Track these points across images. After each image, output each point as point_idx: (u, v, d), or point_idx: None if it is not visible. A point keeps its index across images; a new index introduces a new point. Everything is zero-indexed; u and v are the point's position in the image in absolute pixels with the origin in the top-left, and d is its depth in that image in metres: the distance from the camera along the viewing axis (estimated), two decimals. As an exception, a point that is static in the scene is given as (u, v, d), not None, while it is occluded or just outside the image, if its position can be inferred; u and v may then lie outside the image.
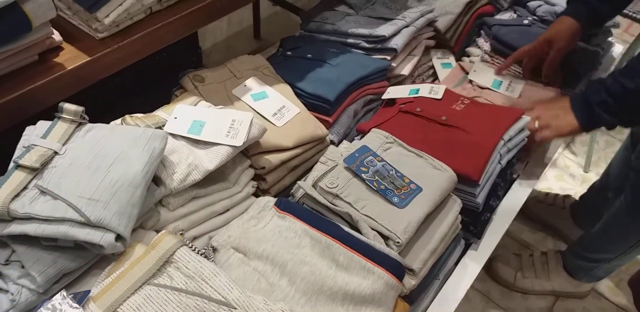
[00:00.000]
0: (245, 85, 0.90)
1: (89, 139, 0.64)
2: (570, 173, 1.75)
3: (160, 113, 0.77)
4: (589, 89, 0.93)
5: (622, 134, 1.88)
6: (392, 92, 1.03)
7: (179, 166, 0.69)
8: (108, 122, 0.75)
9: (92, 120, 0.69)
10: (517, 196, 1.03)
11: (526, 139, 0.96)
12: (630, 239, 1.20)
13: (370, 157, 0.81)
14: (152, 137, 0.65)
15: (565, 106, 0.96)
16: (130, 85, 1.26)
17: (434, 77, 1.18)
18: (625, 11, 1.55)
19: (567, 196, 1.59)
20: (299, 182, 0.79)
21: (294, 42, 1.09)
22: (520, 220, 1.59)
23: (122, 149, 0.63)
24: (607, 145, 1.86)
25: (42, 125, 0.65)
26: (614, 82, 0.89)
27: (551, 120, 0.96)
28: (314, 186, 0.77)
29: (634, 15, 1.54)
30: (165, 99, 0.89)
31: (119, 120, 0.73)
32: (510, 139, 0.91)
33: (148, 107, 0.82)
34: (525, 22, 1.18)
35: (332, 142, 0.95)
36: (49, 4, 0.65)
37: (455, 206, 0.83)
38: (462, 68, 1.15)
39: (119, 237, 0.56)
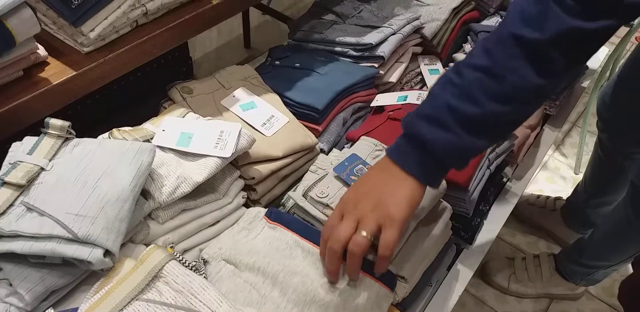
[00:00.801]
0: (233, 96, 0.91)
1: (75, 154, 0.64)
2: (561, 175, 1.76)
3: (148, 126, 0.77)
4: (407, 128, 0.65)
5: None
6: (381, 99, 1.03)
7: (167, 178, 0.69)
8: (97, 136, 0.76)
9: (80, 135, 0.69)
10: (507, 200, 1.04)
11: (514, 143, 0.97)
12: (631, 249, 1.20)
13: (360, 166, 0.81)
14: (139, 150, 0.65)
15: (383, 173, 0.66)
16: (120, 98, 1.26)
17: (422, 84, 1.18)
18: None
19: (558, 198, 1.60)
20: (289, 192, 0.79)
21: (282, 52, 1.10)
22: (512, 223, 1.60)
23: (109, 163, 0.63)
24: (597, 146, 1.88)
25: (28, 141, 0.65)
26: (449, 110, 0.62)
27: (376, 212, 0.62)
28: (304, 195, 0.77)
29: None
30: (155, 111, 0.89)
31: (106, 134, 0.72)
32: (498, 144, 0.92)
33: (138, 119, 0.82)
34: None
35: (322, 151, 0.95)
36: (32, 20, 0.65)
37: (445, 212, 0.83)
38: (450, 74, 1.16)
39: (107, 253, 0.56)
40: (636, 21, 1.54)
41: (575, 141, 1.87)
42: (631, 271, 1.52)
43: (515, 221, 1.60)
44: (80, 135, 0.69)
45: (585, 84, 1.32)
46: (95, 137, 0.75)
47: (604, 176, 1.35)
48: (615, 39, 2.06)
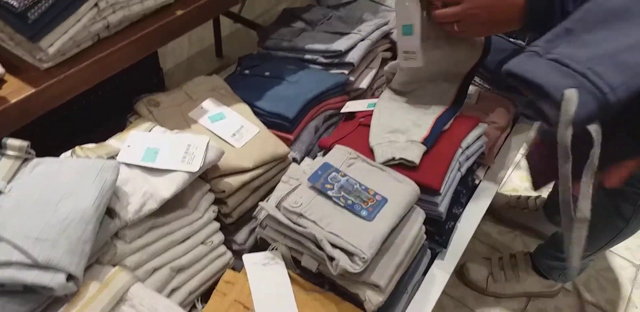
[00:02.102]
0: (201, 107, 0.90)
1: (36, 174, 0.62)
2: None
3: (113, 142, 0.75)
4: None
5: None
6: (351, 105, 1.03)
7: (133, 196, 0.68)
8: (59, 155, 0.74)
9: (43, 154, 0.67)
10: (480, 201, 1.04)
11: (484, 145, 0.98)
12: (605, 236, 1.22)
13: (334, 173, 0.81)
14: (102, 168, 0.64)
15: None
16: (87, 113, 1.23)
17: (393, 89, 1.18)
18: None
19: (538, 197, 1.61)
20: (261, 203, 0.78)
21: (251, 61, 1.09)
22: (488, 223, 1.61)
23: (71, 183, 0.62)
24: (569, 144, 1.90)
25: (-14, 162, 0.63)
26: None
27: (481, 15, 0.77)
28: (277, 206, 0.77)
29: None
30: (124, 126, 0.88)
31: (68, 153, 0.71)
32: (468, 147, 0.93)
33: (107, 134, 0.81)
34: (478, 30, 1.20)
35: (294, 160, 0.95)
36: (-13, 38, 0.63)
37: (418, 217, 0.84)
38: (420, 78, 1.16)
39: (70, 277, 0.54)
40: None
41: (547, 140, 1.89)
42: (604, 264, 1.55)
43: (491, 220, 1.62)
44: (43, 154, 0.67)
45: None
46: (59, 156, 0.73)
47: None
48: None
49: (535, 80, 0.56)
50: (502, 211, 1.61)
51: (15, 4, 0.63)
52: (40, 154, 0.68)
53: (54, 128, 1.15)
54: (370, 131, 0.93)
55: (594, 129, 0.54)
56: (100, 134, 0.82)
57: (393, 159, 0.86)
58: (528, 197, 1.62)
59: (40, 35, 0.69)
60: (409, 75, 0.97)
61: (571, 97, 0.49)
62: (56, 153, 0.74)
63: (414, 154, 0.85)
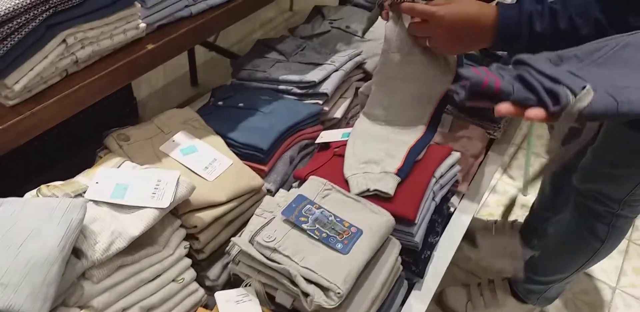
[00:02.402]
0: (173, 141, 0.89)
1: (-1, 215, 0.61)
2: (510, 197, 1.80)
3: (81, 179, 0.74)
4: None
5: (555, 156, 1.96)
6: (326, 136, 1.04)
7: (101, 234, 0.66)
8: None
9: (9, 192, 0.65)
10: (456, 229, 1.04)
11: (458, 174, 0.98)
12: (581, 257, 1.23)
13: (308, 206, 0.80)
14: (69, 208, 0.62)
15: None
16: (58, 145, 1.21)
17: (367, 117, 1.19)
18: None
19: (514, 221, 1.63)
20: (233, 238, 0.77)
21: (225, 92, 1.09)
22: (466, 249, 1.62)
23: (35, 224, 0.60)
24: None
25: (-54, 204, 0.61)
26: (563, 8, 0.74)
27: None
28: (251, 241, 0.75)
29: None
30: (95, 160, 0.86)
31: (34, 192, 0.69)
32: (442, 176, 0.93)
33: (79, 169, 0.79)
34: (449, 59, 1.22)
35: (269, 192, 0.94)
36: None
37: (394, 248, 0.83)
38: (393, 107, 1.18)
39: (32, 323, 0.52)
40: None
41: (521, 163, 1.92)
42: (580, 287, 1.56)
43: (468, 246, 1.62)
44: (9, 192, 0.65)
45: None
46: (24, 193, 0.72)
47: (565, 189, 1.38)
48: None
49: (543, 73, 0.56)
50: (479, 236, 1.61)
51: (-21, 42, 0.63)
52: (7, 188, 0.66)
53: (22, 160, 1.12)
54: (345, 162, 0.93)
55: None
56: (70, 166, 0.80)
57: (368, 190, 0.86)
58: (504, 222, 1.63)
59: (6, 73, 0.68)
60: (384, 96, 0.96)
61: (589, 91, 0.51)
62: (24, 187, 0.72)
63: (389, 185, 0.86)
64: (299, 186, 0.96)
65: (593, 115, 0.50)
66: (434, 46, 0.84)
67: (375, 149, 0.93)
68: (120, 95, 1.38)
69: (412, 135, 0.96)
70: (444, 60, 0.92)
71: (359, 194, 0.85)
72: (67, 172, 0.79)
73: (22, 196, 0.67)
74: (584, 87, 0.51)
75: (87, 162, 0.84)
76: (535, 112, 0.54)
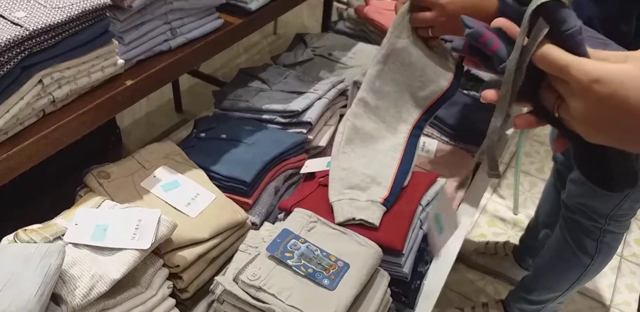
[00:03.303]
0: (154, 176, 0.88)
1: (-28, 265, 0.59)
2: (500, 217, 1.80)
3: (60, 221, 0.72)
4: None
5: (544, 174, 1.97)
6: (310, 165, 1.03)
7: (80, 279, 0.64)
8: (5, 232, 0.70)
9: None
10: (445, 256, 1.03)
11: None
12: (572, 273, 1.23)
13: (293, 240, 0.79)
14: (46, 253, 0.61)
15: None
16: (41, 176, 1.19)
17: (352, 144, 1.19)
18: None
19: (506, 242, 1.62)
20: (217, 277, 0.75)
21: (207, 123, 1.08)
22: (460, 272, 1.60)
23: (12, 272, 0.58)
24: (532, 186, 1.94)
25: None
26: None
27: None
28: (235, 279, 0.74)
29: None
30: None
31: (11, 236, 0.67)
32: (428, 204, 0.92)
33: (60, 205, 0.77)
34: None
35: (253, 225, 0.93)
36: None
37: (383, 280, 0.82)
38: (378, 133, 1.18)
39: None
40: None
41: (510, 182, 1.93)
42: (576, 303, 1.55)
43: (461, 269, 1.61)
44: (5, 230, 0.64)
45: (511, 131, 1.37)
46: (4, 233, 0.70)
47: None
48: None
49: None
50: (471, 258, 1.61)
51: (-48, 86, 0.62)
52: None
53: (1, 192, 1.10)
54: (330, 185, 0.91)
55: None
56: (54, 198, 0.78)
57: (353, 219, 0.85)
58: (496, 243, 1.63)
59: (-20, 116, 0.67)
60: (375, 92, 0.92)
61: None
62: (4, 223, 0.70)
63: (374, 215, 0.85)
64: (285, 217, 0.95)
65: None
66: (435, 36, 0.83)
67: (360, 174, 0.92)
68: (104, 124, 1.36)
69: (397, 149, 0.93)
70: (444, 60, 0.91)
71: (343, 222, 0.84)
72: (50, 204, 0.77)
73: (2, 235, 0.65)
74: None
75: (70, 194, 0.83)
76: (525, 117, 0.51)
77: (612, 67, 0.41)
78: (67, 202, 0.82)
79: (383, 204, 0.87)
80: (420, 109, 0.94)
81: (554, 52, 0.46)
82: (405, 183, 0.93)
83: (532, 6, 0.47)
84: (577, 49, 0.46)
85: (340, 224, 0.84)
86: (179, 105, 1.89)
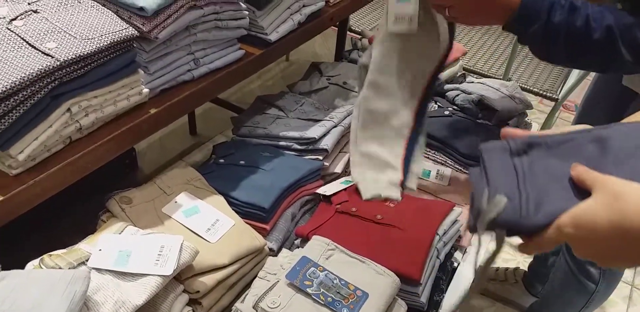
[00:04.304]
0: (175, 202, 0.89)
1: (0, 290, 0.60)
2: (509, 243, 1.78)
3: (84, 246, 0.73)
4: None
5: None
6: (327, 188, 1.04)
7: (104, 305, 0.65)
8: (28, 255, 0.71)
9: (7, 253, 0.65)
10: (460, 285, 1.02)
11: (460, 230, 0.98)
12: (579, 300, 1.22)
13: (312, 268, 0.79)
14: (72, 280, 0.61)
15: None
16: (59, 198, 1.21)
17: (367, 171, 1.20)
18: (535, 89, 1.68)
19: (516, 269, 1.61)
20: (236, 304, 0.76)
21: (226, 149, 1.10)
22: (474, 299, 1.59)
23: (38, 298, 0.59)
24: (543, 212, 1.93)
25: (-53, 280, 0.60)
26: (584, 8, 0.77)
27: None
28: (255, 307, 0.74)
29: (544, 93, 1.67)
30: (95, 217, 0.86)
31: (36, 261, 0.68)
32: (445, 233, 0.93)
33: (77, 227, 0.78)
34: (446, 112, 1.24)
35: (271, 251, 0.93)
36: (-44, 149, 0.62)
37: (400, 309, 0.82)
38: (393, 160, 1.19)
39: None
40: (560, 96, 1.66)
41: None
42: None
43: (475, 297, 1.59)
44: (7, 253, 0.65)
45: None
46: (26, 255, 0.71)
47: None
48: (543, 115, 2.18)
49: (485, 172, 0.55)
50: (480, 284, 1.59)
51: (-15, 116, 0.64)
52: (7, 245, 0.66)
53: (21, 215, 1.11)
54: (351, 169, 0.90)
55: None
56: (71, 221, 0.79)
57: (379, 195, 0.83)
58: (506, 269, 1.61)
59: (10, 143, 0.69)
60: (382, 71, 0.90)
61: (500, 203, 0.50)
62: (24, 244, 0.71)
63: (397, 194, 0.83)
64: (302, 243, 0.96)
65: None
66: (453, 16, 0.82)
67: (376, 159, 0.89)
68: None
69: (405, 125, 0.91)
70: (437, 42, 0.89)
71: (370, 199, 0.84)
72: (68, 227, 0.78)
73: (22, 258, 0.66)
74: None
75: (87, 215, 0.84)
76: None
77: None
78: (83, 224, 0.83)
79: (401, 185, 0.85)
80: (425, 78, 0.91)
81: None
82: (415, 164, 0.90)
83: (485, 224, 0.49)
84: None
85: (367, 200, 0.84)
86: (194, 128, 1.92)
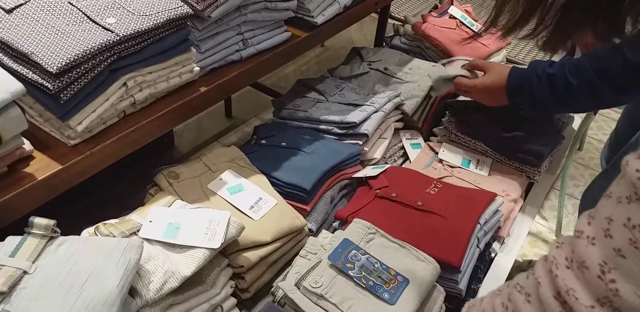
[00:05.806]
0: (221, 179, 0.90)
1: (61, 254, 0.62)
2: (543, 238, 1.77)
3: (135, 217, 0.75)
4: (532, 66, 0.96)
5: (588, 196, 1.93)
6: (366, 172, 1.05)
7: (155, 274, 0.67)
8: (81, 224, 0.74)
9: (63, 222, 0.67)
10: (497, 275, 1.02)
11: (501, 220, 0.98)
12: None
13: (354, 251, 0.80)
14: (127, 248, 0.63)
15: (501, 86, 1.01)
16: (97, 173, 1.24)
17: (405, 158, 1.20)
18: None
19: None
20: (278, 283, 0.77)
21: (267, 130, 1.11)
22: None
23: (95, 264, 0.61)
24: (575, 208, 1.90)
25: (11, 241, 0.62)
26: (560, 71, 0.91)
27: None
28: (297, 285, 0.75)
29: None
30: (137, 188, 0.88)
31: (92, 229, 0.71)
32: (486, 222, 0.93)
33: (119, 196, 0.80)
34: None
35: (310, 231, 0.94)
36: (20, 118, 0.64)
37: (439, 296, 0.82)
38: (431, 148, 1.19)
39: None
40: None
41: (553, 204, 1.90)
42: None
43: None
44: (63, 222, 0.67)
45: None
46: (80, 225, 0.73)
47: None
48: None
49: None
50: (514, 275, 1.58)
51: (50, 86, 0.66)
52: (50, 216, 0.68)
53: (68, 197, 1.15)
54: None
55: None
56: (108, 195, 0.80)
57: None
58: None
59: (70, 115, 0.71)
60: None
61: None
62: (65, 213, 0.73)
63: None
64: (340, 226, 0.97)
65: None
66: (472, 98, 1.13)
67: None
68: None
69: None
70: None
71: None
72: (105, 200, 0.80)
73: (68, 224, 0.68)
74: None
75: (124, 191, 0.85)
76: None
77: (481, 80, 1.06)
78: (120, 198, 0.85)
79: None
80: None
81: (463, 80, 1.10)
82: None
83: None
84: None
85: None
86: (229, 110, 1.93)
